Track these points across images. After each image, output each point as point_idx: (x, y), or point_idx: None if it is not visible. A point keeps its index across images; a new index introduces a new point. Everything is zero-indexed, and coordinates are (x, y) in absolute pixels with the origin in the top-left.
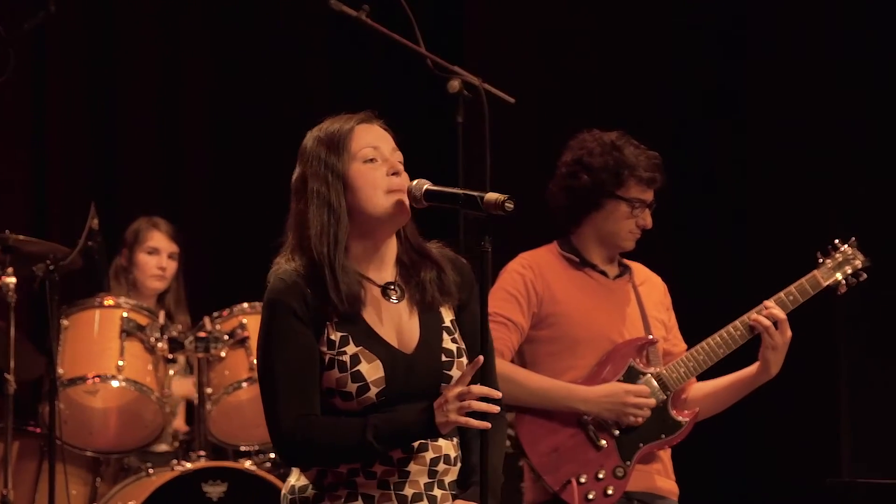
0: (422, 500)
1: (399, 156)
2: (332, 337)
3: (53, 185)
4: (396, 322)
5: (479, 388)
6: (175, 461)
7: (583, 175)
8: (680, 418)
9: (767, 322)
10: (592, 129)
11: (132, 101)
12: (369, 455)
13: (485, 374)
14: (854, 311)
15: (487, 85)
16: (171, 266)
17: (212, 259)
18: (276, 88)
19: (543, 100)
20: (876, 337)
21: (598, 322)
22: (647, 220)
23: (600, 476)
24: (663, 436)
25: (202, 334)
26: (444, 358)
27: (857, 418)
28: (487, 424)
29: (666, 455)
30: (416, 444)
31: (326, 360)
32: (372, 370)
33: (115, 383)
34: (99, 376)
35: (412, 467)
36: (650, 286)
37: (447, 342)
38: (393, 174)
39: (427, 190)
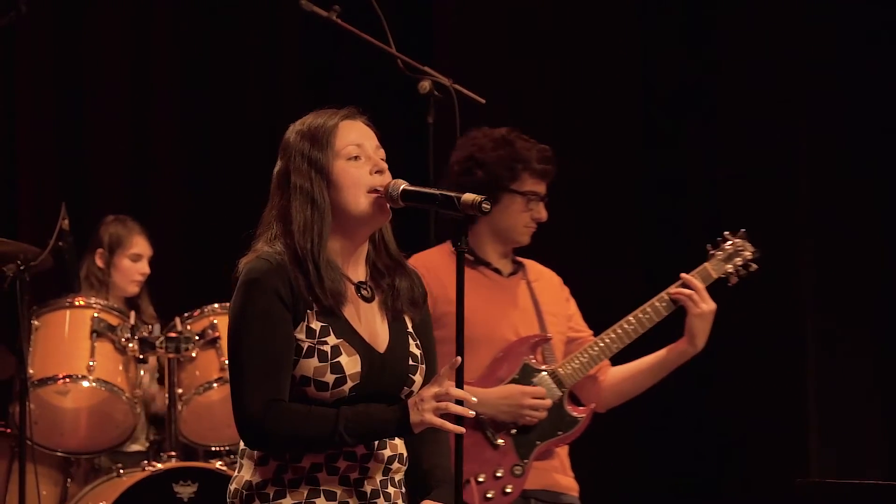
0: (379, 496)
1: (382, 153)
2: (313, 326)
3: (24, 185)
4: (370, 321)
5: (456, 391)
6: (146, 461)
7: (477, 171)
8: (576, 414)
9: (689, 291)
10: (482, 127)
11: (102, 101)
12: (337, 447)
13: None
14: (822, 309)
15: (458, 85)
16: (148, 270)
17: (182, 259)
18: (247, 88)
19: (514, 100)
20: (844, 335)
21: (492, 320)
22: (541, 213)
23: (498, 475)
24: (560, 432)
25: (173, 335)
26: (410, 362)
27: (826, 418)
28: (462, 429)
29: (563, 452)
30: (377, 441)
31: (305, 349)
32: (351, 364)
33: (85, 384)
34: (69, 376)
35: (371, 464)
36: (545, 282)
37: (412, 347)
38: (376, 172)
39: (404, 190)
